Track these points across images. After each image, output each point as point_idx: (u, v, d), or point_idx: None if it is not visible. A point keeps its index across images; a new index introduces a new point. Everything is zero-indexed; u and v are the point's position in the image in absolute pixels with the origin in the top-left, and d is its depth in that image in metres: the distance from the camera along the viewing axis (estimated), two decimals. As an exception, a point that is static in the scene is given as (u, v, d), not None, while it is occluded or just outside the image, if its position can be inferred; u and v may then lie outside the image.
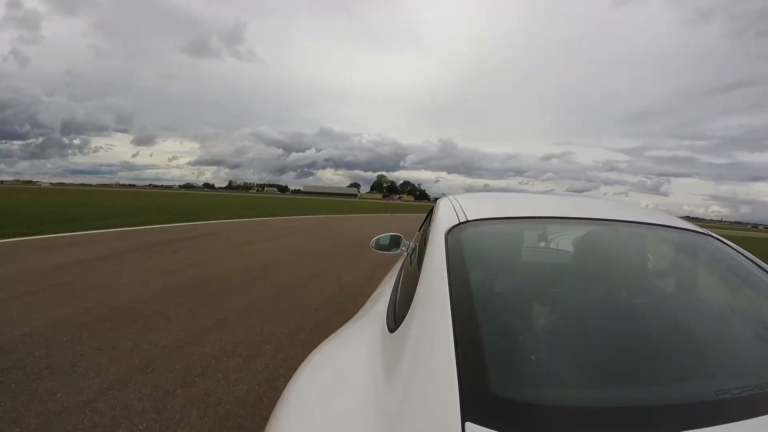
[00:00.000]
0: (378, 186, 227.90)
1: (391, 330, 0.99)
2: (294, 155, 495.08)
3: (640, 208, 1.62)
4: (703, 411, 0.67)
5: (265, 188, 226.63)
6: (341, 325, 1.35)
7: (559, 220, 1.37)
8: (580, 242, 1.45)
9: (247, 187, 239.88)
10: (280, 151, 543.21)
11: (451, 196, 1.62)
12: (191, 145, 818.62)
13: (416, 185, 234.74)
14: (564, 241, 1.92)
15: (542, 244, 2.07)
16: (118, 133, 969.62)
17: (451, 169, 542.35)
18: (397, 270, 1.97)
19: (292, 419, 0.78)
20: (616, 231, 1.36)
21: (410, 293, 1.03)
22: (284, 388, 0.91)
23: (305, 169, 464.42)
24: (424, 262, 1.10)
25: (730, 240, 1.37)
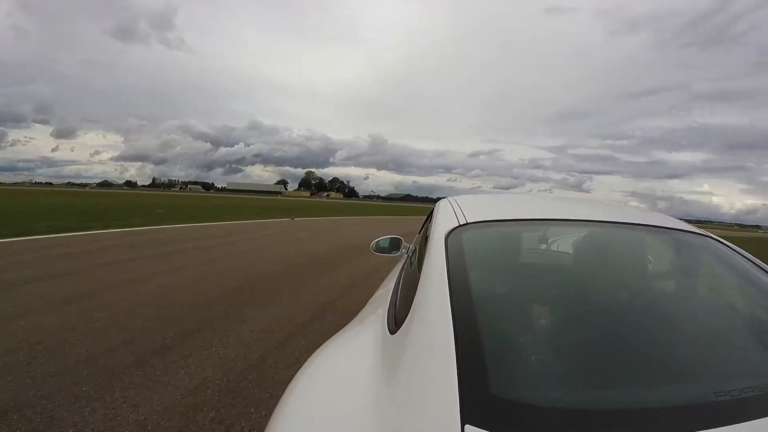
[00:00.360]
0: (306, 183, 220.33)
1: (392, 332, 0.99)
2: (222, 150, 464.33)
3: (639, 209, 1.62)
4: (703, 413, 0.67)
5: (189, 186, 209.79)
6: None
7: (558, 222, 1.39)
8: (580, 244, 1.47)
9: (170, 185, 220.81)
10: (208, 145, 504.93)
11: (450, 198, 1.63)
12: (115, 139, 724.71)
13: (345, 182, 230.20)
14: (564, 243, 1.91)
15: (542, 246, 2.04)
16: (38, 125, 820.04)
17: (380, 166, 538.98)
18: (398, 272, 1.98)
19: (293, 420, 0.79)
20: (615, 233, 1.36)
21: (410, 295, 1.04)
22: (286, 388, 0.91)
23: (234, 165, 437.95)
24: (424, 265, 1.10)
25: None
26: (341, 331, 1.27)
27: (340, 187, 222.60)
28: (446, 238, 1.15)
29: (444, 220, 1.30)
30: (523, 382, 0.77)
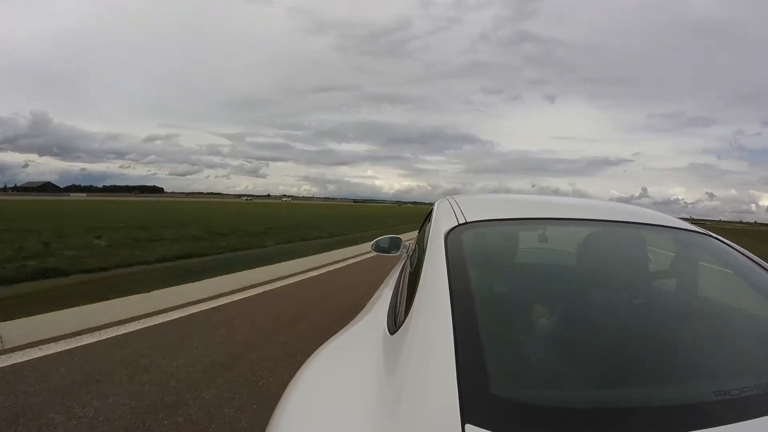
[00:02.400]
0: None
1: (392, 332, 0.99)
2: None
3: (639, 208, 1.60)
4: (703, 412, 0.67)
5: None
6: None
7: (558, 221, 1.38)
8: (580, 243, 1.44)
9: None
10: None
11: (450, 198, 1.60)
12: None
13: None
14: (564, 242, 1.90)
15: (542, 245, 2.01)
16: None
17: (43, 151, 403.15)
18: (398, 272, 1.98)
19: (293, 420, 0.78)
20: (615, 232, 1.36)
21: (410, 295, 1.03)
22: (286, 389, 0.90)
23: None
24: (423, 264, 1.09)
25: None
26: (341, 331, 1.25)
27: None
28: (446, 237, 1.13)
29: (443, 219, 1.29)
30: (524, 382, 0.77)
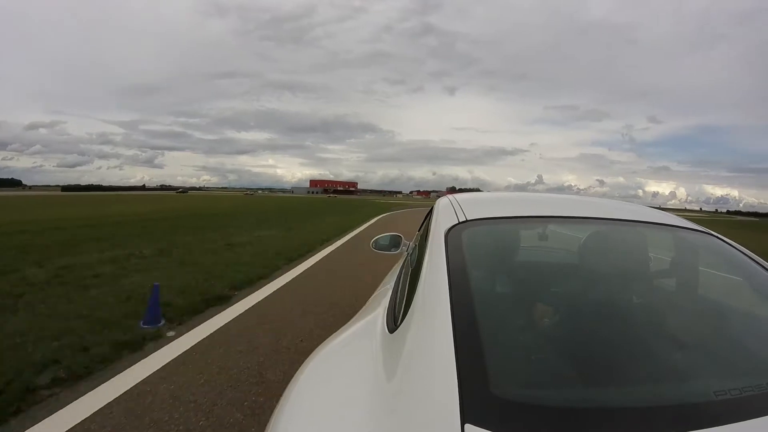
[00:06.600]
0: None
1: (391, 330, 0.98)
2: None
3: (640, 206, 1.60)
4: (703, 411, 0.67)
5: None
6: None
7: (559, 219, 1.37)
8: (581, 242, 1.45)
9: None
10: None
11: (450, 196, 1.60)
12: None
13: None
14: (564, 240, 1.87)
15: (542, 243, 2.00)
16: None
17: None
18: (398, 270, 1.97)
19: (293, 420, 0.78)
20: (616, 230, 1.36)
21: (410, 293, 1.03)
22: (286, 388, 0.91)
23: None
24: (423, 262, 1.09)
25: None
26: (340, 330, 1.25)
27: None
28: (446, 235, 1.13)
29: (444, 217, 1.28)
30: (524, 381, 0.77)
